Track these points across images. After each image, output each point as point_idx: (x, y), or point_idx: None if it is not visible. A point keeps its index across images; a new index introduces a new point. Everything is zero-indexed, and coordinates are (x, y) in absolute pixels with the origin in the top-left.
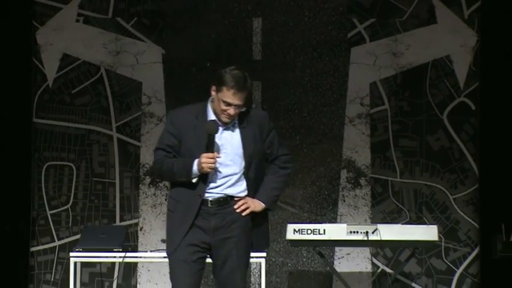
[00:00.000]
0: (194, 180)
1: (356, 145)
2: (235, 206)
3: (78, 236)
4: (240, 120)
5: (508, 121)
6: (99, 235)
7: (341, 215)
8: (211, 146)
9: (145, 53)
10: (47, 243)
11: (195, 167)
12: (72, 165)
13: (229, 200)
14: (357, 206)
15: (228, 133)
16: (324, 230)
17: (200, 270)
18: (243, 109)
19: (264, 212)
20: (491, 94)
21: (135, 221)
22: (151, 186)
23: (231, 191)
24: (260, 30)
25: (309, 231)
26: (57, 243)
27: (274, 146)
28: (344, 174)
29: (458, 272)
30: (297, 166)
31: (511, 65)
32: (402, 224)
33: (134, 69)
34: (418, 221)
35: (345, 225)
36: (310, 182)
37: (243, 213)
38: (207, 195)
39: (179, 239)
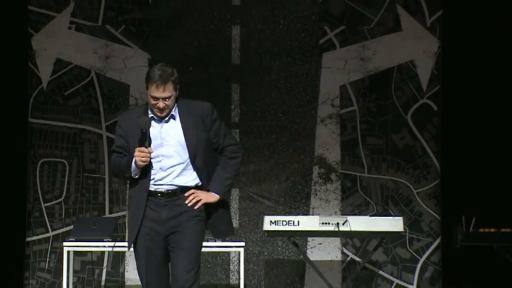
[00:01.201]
0: (135, 175)
1: (327, 143)
2: (186, 201)
3: (70, 227)
4: (180, 112)
5: (467, 121)
6: (90, 226)
7: (313, 208)
8: (143, 141)
9: (132, 58)
10: (42, 233)
11: (133, 163)
12: (65, 161)
13: (178, 191)
14: (328, 200)
15: (168, 125)
16: (298, 222)
17: (160, 263)
18: (169, 100)
19: (222, 201)
20: (451, 96)
21: (123, 213)
22: None
23: (178, 181)
24: (238, 37)
25: (284, 223)
26: (51, 233)
27: (220, 136)
28: (316, 170)
29: (421, 260)
30: (272, 163)
31: (470, 69)
32: (370, 216)
33: (122, 72)
34: (384, 213)
35: (317, 217)
36: (285, 177)
37: (195, 207)
38: (155, 187)
39: (135, 232)
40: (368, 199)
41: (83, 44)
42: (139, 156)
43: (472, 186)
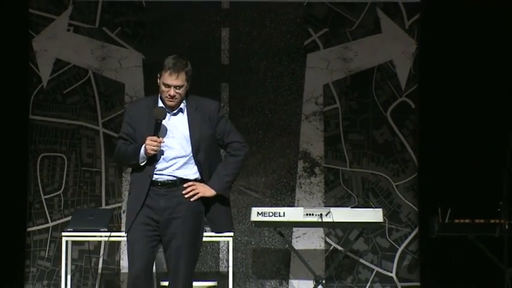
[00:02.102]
0: (142, 163)
1: (311, 139)
2: (184, 192)
3: (69, 218)
4: (188, 107)
5: (443, 118)
6: (87, 217)
7: (298, 200)
8: (156, 131)
9: (127, 58)
10: (42, 224)
11: (142, 150)
12: (64, 156)
13: (178, 182)
14: (312, 192)
15: (176, 118)
16: (284, 213)
17: (153, 247)
18: (181, 91)
19: (222, 197)
20: (428, 94)
21: (119, 204)
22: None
23: (179, 173)
24: (228, 39)
25: (270, 214)
26: (50, 224)
27: (225, 133)
28: (300, 164)
29: (400, 249)
30: (259, 157)
31: (446, 69)
32: (352, 207)
33: (118, 72)
34: (365, 205)
35: (301, 208)
36: (271, 171)
37: (191, 199)
38: (156, 177)
39: (132, 218)
40: (350, 191)
41: (81, 45)
42: (150, 145)
43: (447, 180)
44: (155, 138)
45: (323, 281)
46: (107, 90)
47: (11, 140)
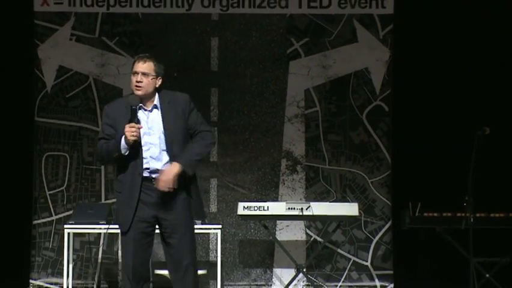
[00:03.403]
0: (125, 153)
1: (293, 139)
2: (160, 189)
3: (71, 212)
4: (161, 102)
5: (414, 120)
6: (88, 211)
7: (281, 195)
8: (132, 117)
9: (124, 65)
10: (46, 217)
11: (123, 141)
12: (66, 155)
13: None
14: (294, 188)
15: (153, 115)
16: (268, 207)
17: (149, 242)
18: (148, 82)
19: (190, 187)
20: (401, 98)
21: None
22: None
23: (156, 165)
24: (217, 47)
25: (255, 208)
26: (54, 217)
27: (196, 124)
28: (283, 162)
29: (375, 240)
30: (246, 156)
31: (417, 75)
32: (330, 202)
33: (116, 78)
34: (343, 199)
35: (284, 203)
36: (256, 168)
37: (170, 187)
38: (147, 174)
39: (131, 215)
40: (329, 187)
41: (82, 53)
42: (129, 131)
43: (418, 177)
44: (132, 124)
45: (304, 270)
46: (106, 95)
47: (18, 141)
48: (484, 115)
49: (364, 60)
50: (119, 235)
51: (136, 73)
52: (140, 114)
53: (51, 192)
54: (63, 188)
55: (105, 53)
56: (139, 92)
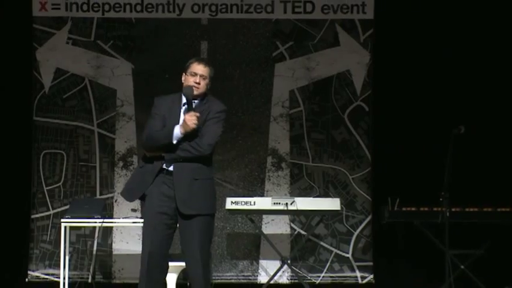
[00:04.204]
0: (175, 142)
1: (279, 137)
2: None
3: (67, 207)
4: (199, 103)
5: (393, 119)
6: (84, 206)
7: (267, 191)
8: (191, 107)
9: (118, 68)
10: (44, 212)
11: (177, 130)
12: (63, 152)
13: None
14: (279, 184)
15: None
16: (254, 202)
17: (169, 234)
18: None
19: (208, 182)
20: (380, 99)
21: (111, 195)
22: (123, 168)
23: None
24: (206, 50)
25: (243, 203)
26: (51, 212)
27: (205, 128)
28: (269, 159)
29: (356, 233)
30: (233, 154)
31: (396, 77)
32: (314, 197)
33: (110, 79)
34: (325, 195)
35: (270, 198)
36: (244, 165)
37: (194, 125)
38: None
39: (139, 191)
40: (312, 183)
41: (78, 56)
42: (191, 120)
43: (397, 173)
44: (192, 113)
45: (288, 261)
46: (101, 95)
47: (17, 139)
48: (459, 115)
49: (346, 62)
50: (114, 228)
51: (196, 74)
52: (184, 108)
53: (48, 188)
54: (60, 184)
55: (100, 56)
56: (194, 92)
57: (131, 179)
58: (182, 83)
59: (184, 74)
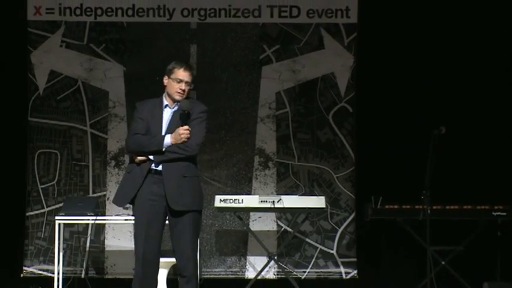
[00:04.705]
0: (164, 149)
1: (266, 138)
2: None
3: (61, 204)
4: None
5: (376, 120)
6: (77, 203)
7: (254, 189)
8: (185, 121)
9: (110, 70)
10: (39, 209)
11: (168, 140)
12: (57, 152)
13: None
14: (266, 183)
15: (176, 113)
16: (242, 200)
17: (159, 231)
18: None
19: (194, 181)
20: (364, 100)
21: (103, 193)
22: (115, 167)
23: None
24: (195, 53)
25: (231, 201)
26: (46, 209)
27: (191, 128)
28: (256, 159)
29: (340, 230)
30: (222, 153)
31: (379, 79)
32: (299, 195)
33: (103, 81)
34: (311, 193)
35: (257, 196)
36: (231, 164)
37: (185, 136)
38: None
39: (131, 194)
40: (298, 182)
41: (71, 59)
42: (185, 134)
43: (379, 172)
44: (186, 127)
45: (275, 257)
46: (94, 97)
47: (13, 139)
48: (440, 116)
49: (330, 65)
50: (107, 225)
51: (181, 81)
52: (166, 110)
53: (43, 186)
54: (54, 182)
55: (93, 59)
56: (179, 98)
57: (121, 185)
58: (164, 86)
59: (167, 77)
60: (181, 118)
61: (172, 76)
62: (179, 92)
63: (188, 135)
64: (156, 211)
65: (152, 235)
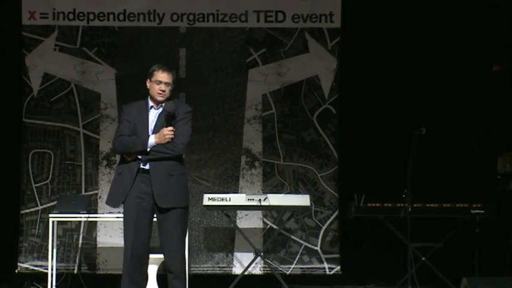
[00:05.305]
0: (148, 149)
1: (252, 138)
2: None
3: (55, 203)
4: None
5: (358, 121)
6: (70, 202)
7: (241, 188)
8: (170, 122)
9: (103, 73)
10: (33, 207)
11: (153, 140)
12: (51, 152)
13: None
14: (253, 182)
15: (161, 114)
16: (230, 198)
17: (148, 228)
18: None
19: (181, 178)
20: (347, 102)
21: (95, 191)
22: (107, 167)
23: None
24: (184, 57)
25: (219, 199)
26: (40, 207)
27: (177, 129)
28: (243, 159)
29: (324, 227)
30: (210, 153)
31: (361, 82)
32: (285, 194)
33: (95, 84)
34: (296, 192)
35: (244, 195)
36: (219, 164)
37: (169, 136)
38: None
39: (123, 194)
40: (283, 181)
41: (65, 62)
42: (169, 134)
43: (362, 171)
44: (170, 128)
45: (261, 254)
46: (86, 99)
47: (8, 139)
48: (420, 117)
49: (314, 68)
50: (98, 223)
51: (161, 82)
52: (152, 111)
53: (37, 185)
54: (47, 181)
55: (85, 62)
56: (161, 98)
57: (112, 186)
58: (148, 89)
59: (149, 80)
60: (166, 119)
61: (153, 79)
62: (159, 93)
63: (173, 136)
64: (144, 208)
65: (141, 232)
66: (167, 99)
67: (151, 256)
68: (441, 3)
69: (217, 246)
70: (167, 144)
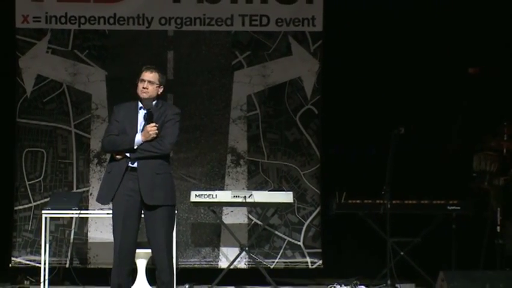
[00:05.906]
0: (136, 147)
1: (237, 137)
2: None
3: (47, 199)
4: (155, 107)
5: (340, 121)
6: (62, 198)
7: (227, 185)
8: (151, 119)
9: (93, 74)
10: (26, 204)
11: (139, 137)
12: (43, 150)
13: None
14: (238, 179)
15: (141, 115)
16: (216, 195)
17: (135, 225)
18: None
19: (167, 177)
20: (328, 103)
21: (86, 188)
22: (97, 165)
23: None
24: (172, 59)
25: (205, 196)
26: (33, 204)
27: (165, 129)
28: (229, 157)
29: (306, 223)
30: (196, 152)
31: (343, 83)
32: (269, 191)
33: (86, 85)
34: (279, 189)
35: (229, 192)
36: (206, 162)
37: (153, 133)
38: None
39: (112, 192)
40: (267, 178)
41: (57, 64)
42: (153, 131)
43: (343, 169)
44: (153, 124)
45: (246, 248)
46: (78, 99)
47: (2, 138)
48: (399, 117)
49: (297, 70)
50: (90, 219)
51: (143, 80)
52: (141, 112)
53: (30, 182)
54: (40, 179)
55: (77, 64)
56: (144, 95)
57: (102, 184)
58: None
59: (137, 81)
60: (144, 117)
61: (139, 79)
62: (142, 90)
63: (157, 131)
64: (132, 205)
65: (129, 227)
66: (154, 99)
67: (141, 251)
68: (419, 7)
69: (203, 241)
70: (155, 143)
